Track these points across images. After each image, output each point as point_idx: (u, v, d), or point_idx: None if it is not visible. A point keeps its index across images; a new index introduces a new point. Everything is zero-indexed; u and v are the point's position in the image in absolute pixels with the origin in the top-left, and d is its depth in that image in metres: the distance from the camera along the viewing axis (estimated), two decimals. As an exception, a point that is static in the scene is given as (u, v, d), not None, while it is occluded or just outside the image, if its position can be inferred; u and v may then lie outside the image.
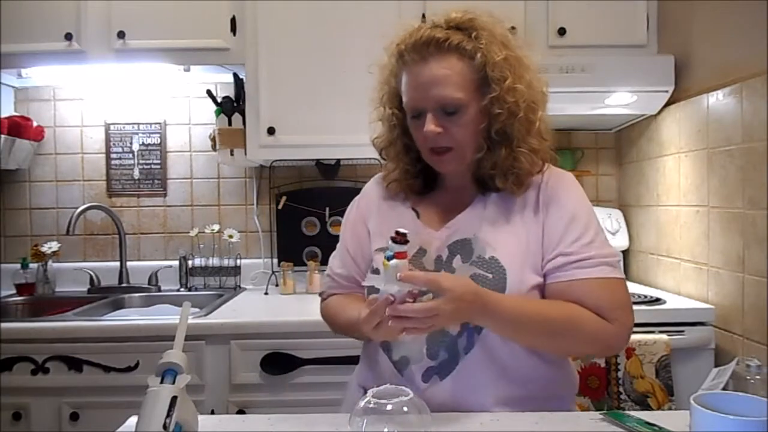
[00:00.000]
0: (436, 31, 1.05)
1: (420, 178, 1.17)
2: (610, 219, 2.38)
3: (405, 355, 1.05)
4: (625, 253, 2.42)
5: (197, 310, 1.91)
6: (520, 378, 1.04)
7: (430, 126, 1.04)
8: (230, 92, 2.31)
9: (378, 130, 1.20)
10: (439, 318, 0.90)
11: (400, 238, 0.94)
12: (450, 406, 1.00)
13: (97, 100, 2.53)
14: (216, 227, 2.42)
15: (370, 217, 1.19)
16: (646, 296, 1.95)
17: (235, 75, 2.27)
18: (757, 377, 1.07)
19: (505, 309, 0.97)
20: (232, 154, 2.25)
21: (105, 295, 2.29)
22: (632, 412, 1.00)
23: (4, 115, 2.36)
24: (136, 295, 2.34)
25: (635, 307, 1.80)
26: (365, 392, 0.92)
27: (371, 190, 1.25)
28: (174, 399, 0.79)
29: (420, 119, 1.07)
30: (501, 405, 1.03)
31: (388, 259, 0.93)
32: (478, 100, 1.05)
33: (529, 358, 1.05)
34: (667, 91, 2.04)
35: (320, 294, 1.28)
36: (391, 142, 1.18)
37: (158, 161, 2.54)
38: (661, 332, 1.75)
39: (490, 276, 1.02)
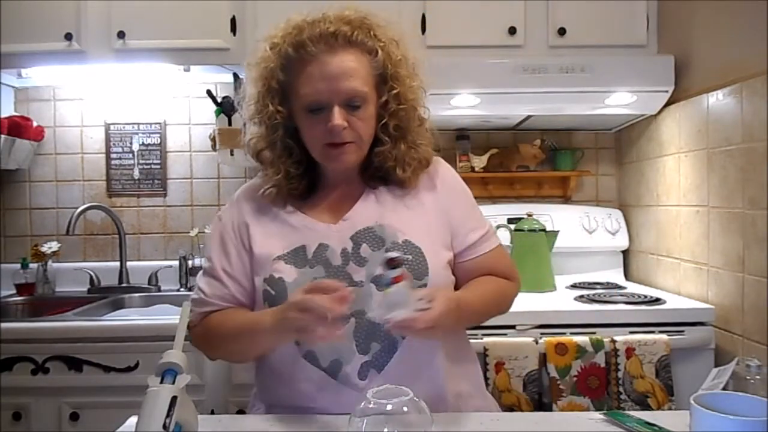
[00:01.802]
0: (340, 25, 1.05)
1: (303, 181, 1.12)
2: (610, 219, 2.37)
3: (336, 358, 1.02)
4: (625, 253, 2.42)
5: (197, 310, 1.91)
6: (450, 351, 1.09)
7: (339, 120, 1.03)
8: (230, 92, 2.31)
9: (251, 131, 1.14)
10: (436, 330, 0.93)
11: (393, 263, 0.93)
12: None
13: (97, 100, 2.53)
14: (216, 227, 2.42)
15: (253, 231, 1.11)
16: (646, 296, 1.95)
17: (235, 75, 2.27)
18: (757, 377, 1.07)
19: (471, 305, 1.06)
20: (232, 154, 2.25)
21: (105, 295, 2.29)
22: (632, 412, 1.00)
23: (4, 115, 2.35)
24: (136, 295, 2.34)
25: (635, 308, 1.83)
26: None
27: (239, 204, 1.15)
28: (174, 399, 0.79)
29: (320, 114, 1.04)
30: (443, 383, 1.06)
31: (387, 285, 0.92)
32: (376, 97, 1.08)
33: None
34: (667, 91, 2.04)
35: (188, 325, 1.05)
36: (271, 143, 1.11)
37: (158, 161, 2.54)
38: (661, 332, 1.75)
39: (410, 257, 1.05)
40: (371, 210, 1.10)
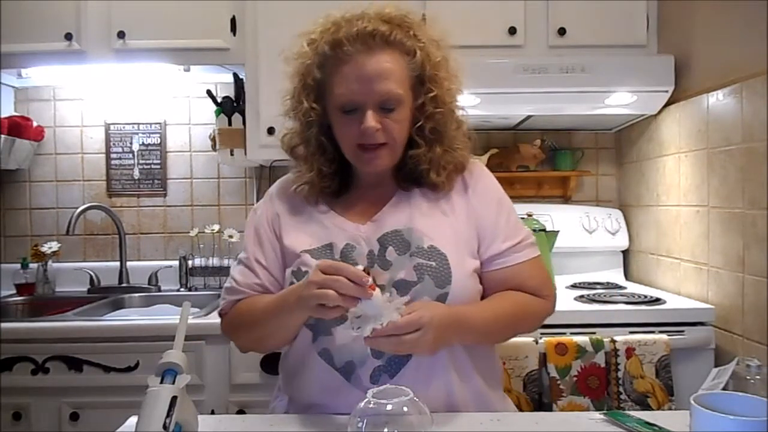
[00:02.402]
0: (379, 24, 1.02)
1: (336, 180, 1.12)
2: (610, 219, 2.37)
3: (349, 359, 1.01)
4: (625, 253, 2.42)
5: (197, 310, 1.91)
6: (467, 362, 1.06)
7: (372, 122, 1.01)
8: (230, 92, 2.31)
9: (286, 127, 1.14)
10: (418, 348, 0.91)
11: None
12: None
13: (97, 100, 2.53)
14: (216, 227, 2.42)
15: (283, 228, 1.12)
16: (646, 296, 1.95)
17: (235, 75, 2.27)
18: (757, 377, 1.07)
19: (476, 321, 1.02)
20: (232, 154, 2.25)
21: (105, 295, 2.29)
22: (632, 412, 1.00)
23: (4, 115, 2.35)
24: (136, 295, 2.34)
25: (635, 308, 1.83)
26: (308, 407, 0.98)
27: (272, 200, 1.17)
28: (174, 399, 0.79)
29: (353, 114, 1.03)
30: (456, 393, 1.04)
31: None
32: (411, 99, 1.06)
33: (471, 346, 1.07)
34: (667, 91, 2.04)
35: (220, 312, 1.16)
36: (305, 139, 1.11)
37: (158, 161, 2.54)
38: (661, 332, 1.75)
39: (434, 264, 1.03)
40: (401, 213, 1.09)
